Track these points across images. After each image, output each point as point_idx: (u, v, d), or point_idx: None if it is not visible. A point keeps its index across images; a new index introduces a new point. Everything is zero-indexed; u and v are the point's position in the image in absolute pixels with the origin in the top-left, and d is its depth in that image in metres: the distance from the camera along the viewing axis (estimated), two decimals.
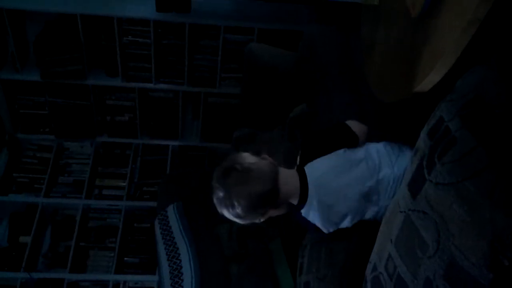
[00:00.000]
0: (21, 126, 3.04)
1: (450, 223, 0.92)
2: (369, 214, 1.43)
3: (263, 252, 1.97)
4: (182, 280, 2.02)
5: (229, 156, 1.42)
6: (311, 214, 1.43)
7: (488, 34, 1.16)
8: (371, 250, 1.30)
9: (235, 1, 2.68)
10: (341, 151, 1.45)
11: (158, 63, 2.77)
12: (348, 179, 1.41)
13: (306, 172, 1.43)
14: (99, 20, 2.64)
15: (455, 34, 1.13)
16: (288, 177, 1.41)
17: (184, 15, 2.57)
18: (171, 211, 2.25)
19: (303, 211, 1.43)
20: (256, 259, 1.96)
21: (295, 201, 1.43)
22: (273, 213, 1.42)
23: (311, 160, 1.48)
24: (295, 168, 1.47)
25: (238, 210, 1.33)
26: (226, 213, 1.37)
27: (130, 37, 2.68)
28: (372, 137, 1.57)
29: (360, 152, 1.46)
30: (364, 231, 1.45)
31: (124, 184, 3.03)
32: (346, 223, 1.42)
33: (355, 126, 1.50)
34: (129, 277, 2.82)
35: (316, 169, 1.44)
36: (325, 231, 1.44)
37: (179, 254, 2.09)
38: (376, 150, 1.46)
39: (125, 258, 2.87)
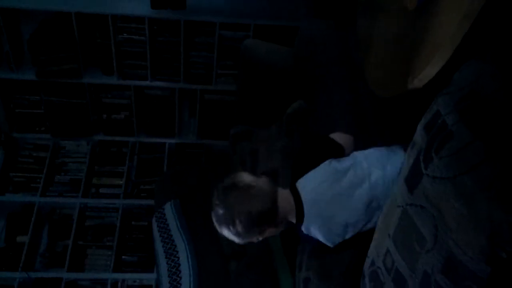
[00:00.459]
0: (17, 125, 3.03)
1: (447, 217, 0.92)
2: (376, 220, 1.42)
3: (262, 249, 1.97)
4: (181, 278, 2.02)
5: (229, 175, 1.43)
6: (312, 229, 1.44)
7: (484, 28, 1.16)
8: None
9: None
10: (327, 162, 1.47)
11: (154, 61, 2.76)
12: (339, 189, 1.42)
13: (298, 189, 1.45)
14: (93, 18, 2.62)
15: (451, 27, 1.13)
16: (284, 196, 1.43)
17: (179, 12, 2.55)
18: (168, 209, 2.25)
19: (303, 228, 1.44)
20: (255, 257, 1.96)
21: (293, 219, 1.44)
22: (271, 232, 1.44)
23: (301, 176, 1.49)
24: (289, 187, 1.48)
25: (239, 228, 1.35)
26: (226, 232, 1.39)
27: (125, 34, 2.66)
28: (370, 135, 1.57)
29: (347, 161, 1.47)
30: (372, 232, 1.45)
31: (121, 182, 3.03)
32: (350, 233, 1.42)
33: (339, 137, 1.53)
34: (127, 275, 2.82)
35: (306, 184, 1.46)
36: (330, 244, 1.44)
37: (177, 252, 2.08)
38: (364, 156, 1.48)
39: (123, 257, 2.87)
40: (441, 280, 0.94)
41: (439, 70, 1.22)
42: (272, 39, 2.34)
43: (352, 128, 1.76)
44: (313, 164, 1.48)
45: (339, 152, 1.50)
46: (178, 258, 2.06)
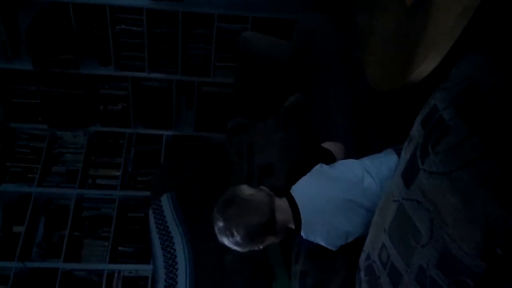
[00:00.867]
0: (13, 115, 3.02)
1: (443, 212, 0.91)
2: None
3: None
4: (177, 269, 2.02)
5: (229, 189, 1.48)
6: (311, 235, 1.45)
7: (482, 22, 1.16)
8: None
9: None
10: (317, 167, 1.49)
11: (151, 52, 2.75)
12: (333, 193, 1.43)
13: (293, 196, 1.47)
14: (91, 9, 2.61)
15: (450, 21, 1.12)
16: (281, 206, 1.46)
17: (177, 3, 2.54)
18: (165, 200, 2.25)
19: (303, 234, 1.45)
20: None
21: (293, 226, 1.46)
22: (271, 240, 1.47)
23: (294, 183, 1.51)
24: (284, 195, 1.50)
25: (238, 239, 1.40)
26: (226, 242, 1.44)
27: (123, 25, 2.65)
28: (368, 130, 1.57)
29: (338, 167, 1.49)
30: None
31: (117, 173, 3.03)
32: (351, 237, 1.43)
33: (330, 146, 1.54)
34: (123, 266, 2.82)
35: (300, 190, 1.48)
36: (333, 248, 1.44)
37: (174, 244, 2.09)
38: (357, 161, 1.49)
39: (120, 248, 2.88)
40: (436, 275, 0.94)
41: (437, 65, 1.22)
42: (270, 32, 2.34)
43: (349, 121, 1.76)
44: (305, 171, 1.51)
45: (330, 159, 1.52)
46: (175, 249, 2.07)
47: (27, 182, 2.94)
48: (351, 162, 1.50)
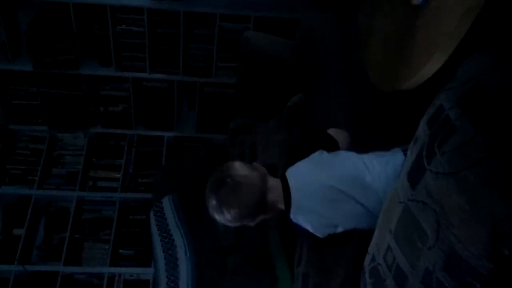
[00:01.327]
0: (13, 117, 3.01)
1: (449, 213, 0.91)
2: (364, 222, 1.42)
3: (260, 243, 1.97)
4: (178, 272, 2.02)
5: (222, 166, 1.50)
6: (300, 218, 1.46)
7: (487, 21, 1.15)
8: None
9: None
10: (318, 153, 1.51)
11: (153, 52, 2.74)
12: (327, 181, 1.44)
13: (287, 177, 1.49)
14: (92, 9, 2.60)
15: (454, 21, 1.12)
16: (274, 185, 1.48)
17: (178, 3, 2.54)
18: (166, 202, 2.24)
19: (291, 216, 1.46)
20: (253, 250, 1.96)
21: (283, 207, 1.47)
22: (264, 217, 1.49)
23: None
24: (279, 174, 1.52)
25: (229, 218, 1.44)
26: (218, 218, 1.47)
27: (123, 26, 2.64)
28: (370, 131, 1.57)
29: (339, 156, 1.50)
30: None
31: (118, 175, 3.02)
32: (341, 227, 1.43)
33: (335, 133, 1.56)
34: (124, 270, 2.81)
35: (294, 172, 1.50)
36: (319, 235, 1.45)
37: (175, 246, 2.08)
38: (359, 155, 1.49)
39: (120, 251, 2.87)
40: (442, 277, 0.93)
41: (441, 65, 1.21)
42: (272, 32, 2.33)
43: (349, 120, 1.75)
44: (306, 155, 1.52)
45: (333, 147, 1.53)
46: (176, 252, 2.07)
47: (27, 184, 2.94)
48: (353, 154, 1.50)
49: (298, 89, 2.01)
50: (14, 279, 2.68)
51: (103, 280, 2.77)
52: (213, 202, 1.45)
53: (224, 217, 1.45)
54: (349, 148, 1.55)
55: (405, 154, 1.26)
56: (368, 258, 1.27)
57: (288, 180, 1.47)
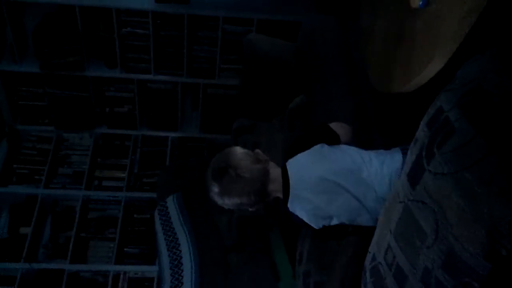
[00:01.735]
0: (20, 117, 3.04)
1: (448, 213, 0.91)
2: (358, 217, 1.44)
3: (262, 241, 1.98)
4: (182, 270, 2.02)
5: (223, 153, 1.54)
6: (297, 208, 1.48)
7: (488, 23, 1.15)
8: None
9: None
10: (318, 146, 1.52)
11: (157, 54, 2.76)
12: (325, 174, 1.46)
13: (287, 167, 1.51)
14: (97, 11, 2.62)
15: (455, 23, 1.12)
16: (275, 174, 1.51)
17: (183, 6, 2.55)
18: (170, 202, 2.26)
19: (289, 206, 1.49)
20: (255, 249, 1.97)
21: (281, 196, 1.50)
22: (261, 205, 1.54)
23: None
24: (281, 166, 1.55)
25: (229, 204, 1.50)
26: (218, 202, 1.51)
27: (129, 28, 2.66)
28: (371, 132, 1.58)
29: (339, 150, 1.51)
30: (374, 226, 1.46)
31: (123, 175, 3.03)
32: (336, 220, 1.45)
33: (337, 126, 1.57)
34: (129, 268, 2.82)
35: (296, 165, 1.51)
36: (314, 226, 1.47)
37: (179, 245, 2.09)
38: (358, 151, 1.51)
39: (125, 249, 2.88)
40: (441, 276, 0.94)
41: (442, 67, 1.22)
42: (275, 34, 2.34)
43: (350, 120, 1.76)
44: (307, 148, 1.54)
45: (334, 140, 1.54)
46: (180, 250, 2.07)
47: (33, 184, 2.96)
48: (352, 149, 1.52)
49: (300, 90, 2.02)
50: (21, 277, 2.70)
51: (108, 278, 2.78)
52: (215, 190, 1.48)
53: (224, 203, 1.49)
54: (351, 143, 1.56)
55: (405, 154, 1.28)
56: (369, 257, 1.28)
57: (288, 171, 1.50)
